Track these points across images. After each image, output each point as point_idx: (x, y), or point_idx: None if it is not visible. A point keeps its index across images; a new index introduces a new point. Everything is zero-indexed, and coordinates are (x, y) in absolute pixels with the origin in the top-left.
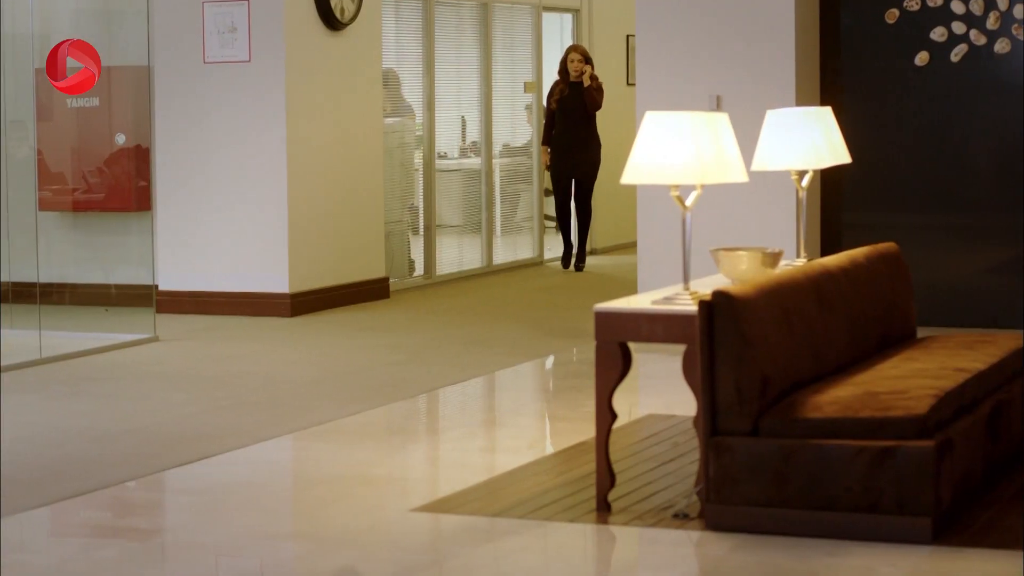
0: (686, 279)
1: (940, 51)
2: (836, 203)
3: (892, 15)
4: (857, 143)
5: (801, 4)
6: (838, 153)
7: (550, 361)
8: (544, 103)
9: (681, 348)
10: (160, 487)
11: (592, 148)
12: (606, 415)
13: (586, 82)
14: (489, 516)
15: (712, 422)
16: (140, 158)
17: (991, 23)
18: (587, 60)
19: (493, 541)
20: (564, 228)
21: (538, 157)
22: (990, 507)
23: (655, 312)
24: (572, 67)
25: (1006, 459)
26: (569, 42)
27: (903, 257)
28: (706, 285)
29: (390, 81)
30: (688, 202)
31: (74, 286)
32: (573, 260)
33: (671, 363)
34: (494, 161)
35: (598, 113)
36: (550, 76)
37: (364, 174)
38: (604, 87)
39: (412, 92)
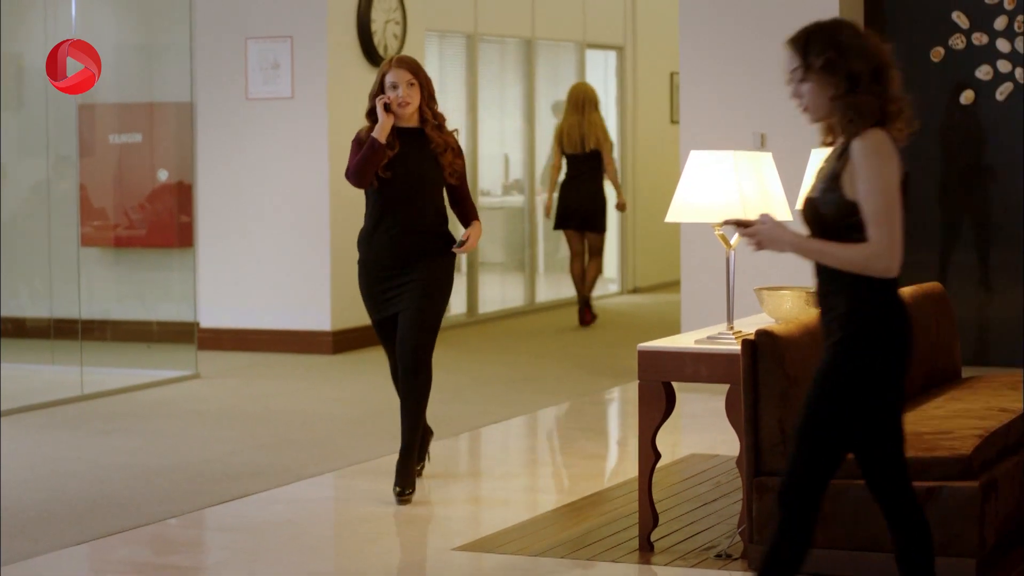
0: (730, 318)
1: (985, 89)
2: None
3: (937, 54)
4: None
5: None
6: None
7: (593, 400)
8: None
9: (724, 387)
10: (201, 524)
11: (447, 256)
12: (649, 454)
13: (432, 139)
14: (531, 556)
15: (755, 462)
16: (182, 194)
17: None
18: (421, 84)
19: None
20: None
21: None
22: None
23: (699, 351)
24: (393, 97)
25: None
26: (613, 80)
27: (948, 296)
28: (750, 324)
29: None
30: (732, 241)
31: (116, 322)
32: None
33: (714, 402)
34: (537, 199)
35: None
36: None
37: None
38: (645, 127)
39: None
